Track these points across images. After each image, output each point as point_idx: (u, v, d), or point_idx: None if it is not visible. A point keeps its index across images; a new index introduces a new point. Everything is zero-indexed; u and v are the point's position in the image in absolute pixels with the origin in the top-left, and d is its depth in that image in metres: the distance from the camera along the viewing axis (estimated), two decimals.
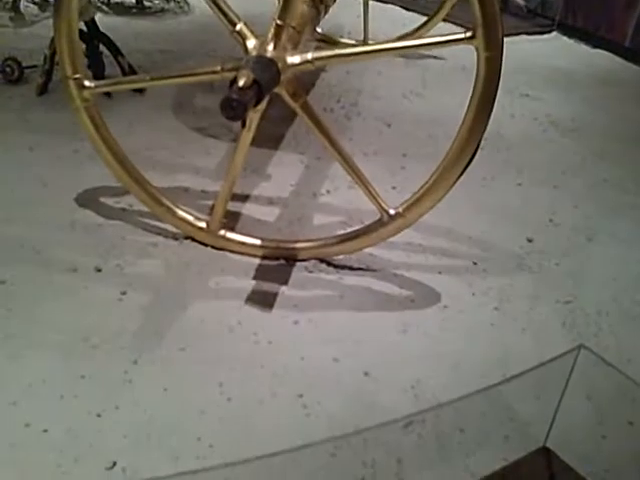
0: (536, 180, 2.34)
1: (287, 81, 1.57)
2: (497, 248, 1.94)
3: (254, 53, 1.53)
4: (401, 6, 4.21)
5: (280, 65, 1.52)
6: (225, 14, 1.57)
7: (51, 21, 3.31)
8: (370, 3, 3.41)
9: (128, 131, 2.30)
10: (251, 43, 1.55)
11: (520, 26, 4.08)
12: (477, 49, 1.46)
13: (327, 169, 2.24)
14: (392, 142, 2.51)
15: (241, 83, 1.38)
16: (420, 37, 3.36)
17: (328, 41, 3.43)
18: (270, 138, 2.38)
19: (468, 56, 1.54)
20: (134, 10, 3.62)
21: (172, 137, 2.36)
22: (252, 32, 1.57)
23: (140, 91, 2.63)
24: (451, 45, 1.52)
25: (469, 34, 1.46)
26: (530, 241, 1.99)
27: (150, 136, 2.33)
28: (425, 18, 3.54)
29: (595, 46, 3.97)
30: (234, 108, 1.34)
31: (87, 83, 1.67)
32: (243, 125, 1.53)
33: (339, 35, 3.51)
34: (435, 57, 3.39)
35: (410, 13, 4.11)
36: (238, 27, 1.56)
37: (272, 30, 1.53)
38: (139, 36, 3.26)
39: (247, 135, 1.64)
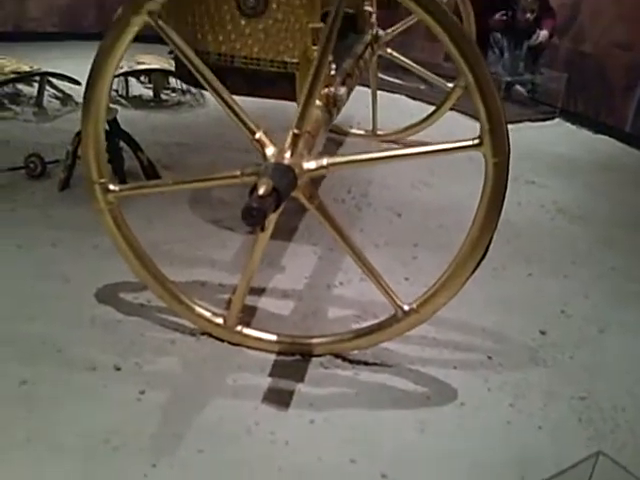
0: (546, 270, 2.38)
1: (304, 185, 1.64)
2: (511, 341, 1.96)
3: (272, 160, 1.60)
4: (408, 95, 4.38)
5: (297, 171, 1.60)
6: (245, 123, 1.65)
7: (72, 115, 3.49)
8: (378, 93, 3.56)
9: (147, 226, 2.37)
10: (270, 151, 1.63)
11: (523, 113, 4.22)
12: (485, 155, 1.53)
13: (340, 260, 2.29)
14: (403, 232, 2.57)
15: (261, 191, 1.44)
16: (429, 124, 3.50)
17: (339, 132, 3.57)
18: (284, 230, 2.44)
19: None
20: (152, 104, 3.78)
21: (189, 230, 2.43)
22: (270, 140, 1.65)
23: None
24: (459, 152, 1.59)
25: (476, 141, 1.54)
26: (543, 333, 2.01)
27: (168, 230, 2.40)
28: (431, 107, 3.70)
29: (597, 131, 4.10)
30: (254, 216, 1.40)
31: (111, 187, 1.74)
32: (262, 229, 1.59)
33: (349, 125, 3.65)
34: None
35: (417, 102, 4.28)
36: (257, 136, 1.64)
37: (289, 139, 1.61)
38: (156, 129, 3.40)
39: (264, 235, 1.70)
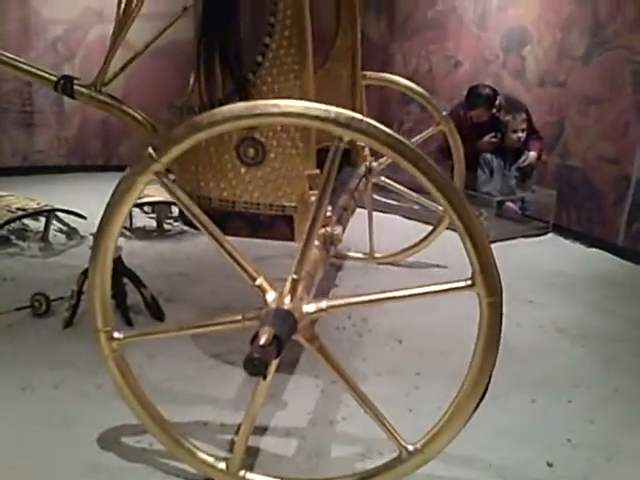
0: (550, 395, 2.37)
1: (304, 328, 1.68)
2: (518, 475, 1.93)
3: (273, 305, 1.65)
4: (403, 216, 4.52)
5: (297, 315, 1.64)
6: (246, 270, 1.71)
7: (77, 250, 3.59)
8: (373, 214, 3.68)
9: (149, 362, 2.39)
10: (270, 296, 1.68)
11: (516, 230, 4.34)
12: (478, 295, 1.58)
13: (342, 393, 2.29)
14: (404, 360, 2.58)
15: (263, 340, 1.48)
16: (425, 246, 3.59)
17: (337, 255, 3.65)
18: (286, 363, 2.45)
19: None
20: (155, 233, 3.90)
21: (191, 366, 2.44)
22: (271, 285, 1.71)
23: (160, 318, 2.77)
24: (453, 292, 1.64)
25: (469, 282, 1.59)
26: (550, 465, 1.98)
27: (170, 365, 2.42)
28: (426, 226, 3.81)
29: (590, 245, 4.20)
30: (257, 366, 1.43)
31: (116, 335, 1.78)
32: (264, 378, 1.61)
33: (346, 248, 3.74)
34: (438, 266, 3.58)
35: (412, 222, 4.40)
36: (258, 282, 1.70)
37: (288, 284, 1.67)
38: (159, 260, 3.48)
39: (266, 382, 1.71)
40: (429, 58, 5.72)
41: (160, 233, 3.95)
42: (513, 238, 4.16)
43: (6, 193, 3.92)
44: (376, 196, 4.09)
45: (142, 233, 3.90)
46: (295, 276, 1.68)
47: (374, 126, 1.54)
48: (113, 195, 1.76)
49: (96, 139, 6.00)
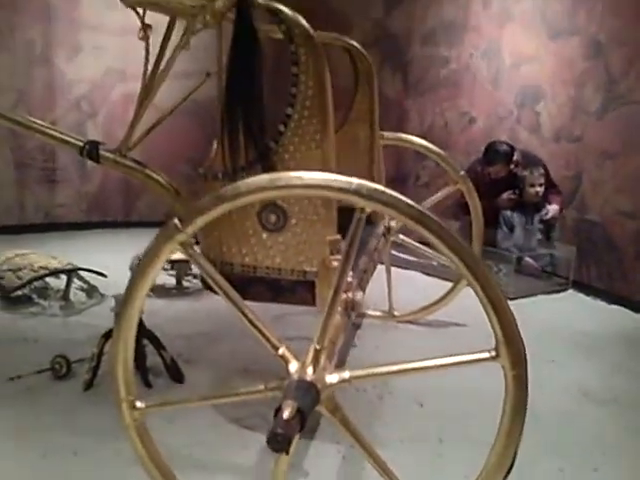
0: (577, 463, 2.31)
1: (327, 399, 1.66)
2: None
3: (296, 377, 1.64)
4: (421, 272, 4.51)
5: (320, 386, 1.63)
6: (268, 339, 1.71)
7: (97, 309, 3.61)
8: (392, 270, 3.67)
9: (168, 427, 2.36)
10: (293, 366, 1.67)
11: (536, 286, 4.31)
12: (503, 367, 1.57)
13: (364, 460, 2.24)
14: (427, 424, 2.53)
15: (286, 415, 1.47)
16: (445, 304, 3.57)
17: (355, 309, 3.63)
18: (307, 428, 2.41)
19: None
20: (174, 291, 3.92)
21: (210, 431, 2.41)
22: (293, 355, 1.70)
23: (180, 381, 2.76)
24: (477, 364, 1.63)
25: (493, 353, 1.58)
26: None
27: (189, 431, 2.39)
28: (445, 283, 3.79)
29: (611, 302, 4.15)
30: (280, 442, 1.42)
31: (138, 404, 1.77)
32: (287, 453, 1.59)
33: (365, 307, 3.72)
34: (458, 324, 3.55)
35: (431, 278, 4.39)
36: (280, 351, 1.70)
37: (311, 354, 1.66)
38: (179, 319, 3.49)
39: (287, 457, 1.69)
40: (444, 115, 5.80)
41: (179, 291, 3.97)
42: (533, 295, 4.13)
43: (29, 251, 3.96)
44: (394, 252, 4.09)
45: (162, 291, 3.92)
46: (318, 346, 1.67)
47: (396, 198, 1.56)
48: (139, 265, 1.78)
49: (116, 194, 6.10)
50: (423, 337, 3.39)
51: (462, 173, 3.46)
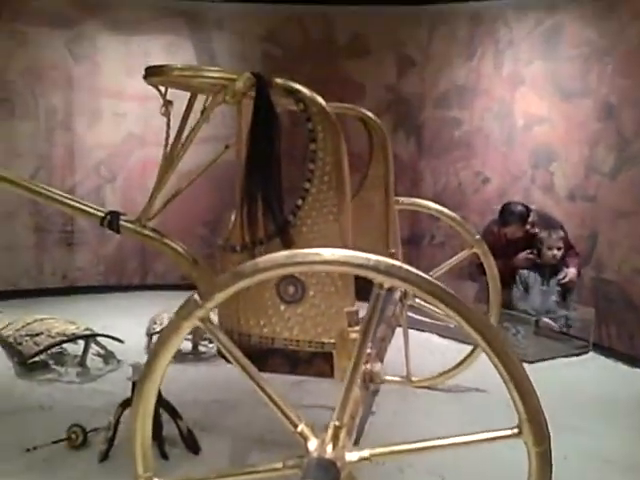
0: None
1: (346, 477, 1.64)
2: None
3: (315, 455, 1.62)
4: (437, 334, 4.47)
5: (339, 464, 1.61)
6: (287, 416, 1.70)
7: (114, 375, 3.60)
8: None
9: None
10: (312, 444, 1.66)
11: (555, 348, 4.25)
12: (526, 444, 1.54)
13: None
14: None
15: None
16: (464, 368, 3.52)
17: (374, 380, 3.59)
18: None
19: None
20: (190, 356, 3.91)
21: None
22: (313, 432, 1.68)
23: (196, 451, 2.73)
24: (500, 441, 1.60)
25: (516, 430, 1.56)
26: None
27: None
28: (462, 346, 3.75)
29: (633, 365, 4.07)
30: None
31: None
32: None
33: (383, 371, 3.68)
34: (477, 389, 3.50)
35: (447, 341, 4.35)
36: (299, 428, 1.68)
37: (331, 431, 1.65)
38: (195, 385, 3.47)
39: None
40: (458, 175, 5.86)
41: (195, 356, 3.96)
42: (552, 358, 4.07)
43: (47, 316, 4.00)
44: (410, 313, 4.07)
45: (177, 355, 3.90)
46: (337, 422, 1.66)
47: (414, 274, 1.57)
48: (158, 341, 1.80)
49: (133, 257, 6.16)
50: (442, 403, 3.34)
51: (477, 237, 3.48)
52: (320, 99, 2.07)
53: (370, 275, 1.60)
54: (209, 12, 6.21)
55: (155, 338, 4.05)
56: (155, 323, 4.13)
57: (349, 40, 6.20)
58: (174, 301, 4.92)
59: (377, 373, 2.07)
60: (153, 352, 1.80)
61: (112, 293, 5.78)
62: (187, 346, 4.05)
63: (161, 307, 4.63)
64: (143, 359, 3.69)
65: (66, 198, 2.76)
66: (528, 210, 4.76)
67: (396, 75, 6.13)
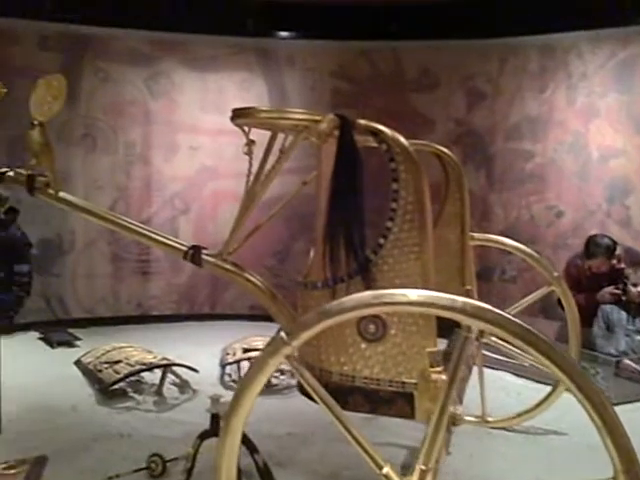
0: None
1: None
2: None
3: None
4: (512, 372, 4.36)
5: None
6: (372, 457, 1.70)
7: (190, 404, 3.67)
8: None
9: None
10: None
11: (637, 391, 4.06)
12: None
13: None
14: None
15: None
16: (543, 409, 3.42)
17: (455, 423, 3.52)
18: None
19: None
20: (263, 388, 3.93)
21: None
22: (398, 475, 1.67)
23: None
24: None
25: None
26: None
27: None
28: (538, 385, 3.65)
29: None
30: None
31: None
32: None
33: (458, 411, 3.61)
34: (556, 432, 3.38)
35: (522, 380, 4.23)
36: (385, 470, 1.68)
37: (416, 476, 1.64)
38: (268, 418, 3.49)
39: None
40: (530, 208, 5.76)
41: (268, 388, 3.98)
42: (636, 401, 3.90)
43: (125, 344, 4.13)
44: (483, 351, 4.00)
45: None
46: (423, 467, 1.64)
47: (503, 316, 1.56)
48: (245, 377, 1.83)
49: (204, 286, 6.29)
50: (520, 446, 3.24)
51: (556, 274, 3.39)
52: (403, 139, 2.09)
53: (457, 317, 1.59)
54: (280, 49, 6.38)
55: (228, 369, 4.12)
56: (228, 354, 4.20)
57: (418, 74, 6.24)
58: (243, 331, 5.01)
59: (459, 415, 2.04)
60: (240, 388, 1.84)
61: (183, 322, 5.90)
62: None
63: (231, 337, 4.72)
64: (217, 389, 3.79)
65: (151, 232, 2.86)
66: (615, 243, 4.62)
67: (465, 108, 6.12)
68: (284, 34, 6.37)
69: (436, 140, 3.21)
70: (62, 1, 5.61)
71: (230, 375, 4.08)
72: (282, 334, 1.74)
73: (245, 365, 4.18)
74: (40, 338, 4.88)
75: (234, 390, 3.89)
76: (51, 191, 2.76)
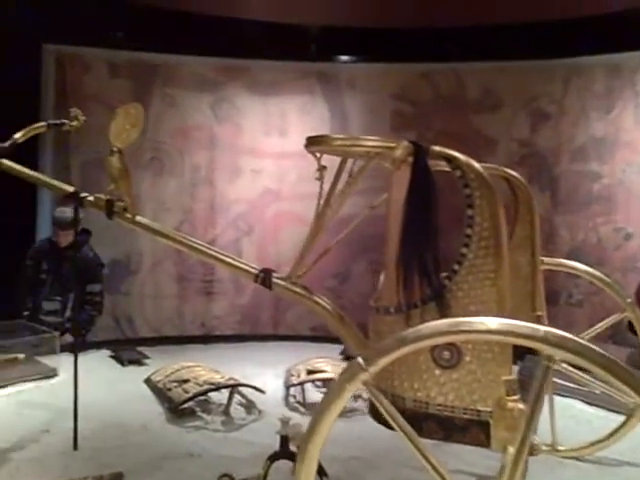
0: None
1: None
2: None
3: None
4: (583, 401, 4.23)
5: None
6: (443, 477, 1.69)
7: (256, 425, 3.71)
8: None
9: None
10: None
11: None
12: None
13: None
14: None
15: None
16: (617, 439, 3.30)
17: (532, 453, 3.44)
18: None
19: None
20: None
21: None
22: None
23: None
24: None
25: None
26: None
27: None
28: (610, 414, 3.53)
29: None
30: None
31: None
32: None
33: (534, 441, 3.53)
34: (629, 463, 3.27)
35: (593, 408, 4.11)
36: None
37: None
38: (333, 440, 3.43)
39: None
40: (597, 231, 5.63)
41: None
42: None
43: (192, 364, 4.21)
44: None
45: (315, 409, 3.95)
46: None
47: (586, 346, 1.54)
48: (322, 403, 1.85)
49: (267, 307, 6.36)
50: (594, 477, 3.14)
51: (629, 300, 3.31)
52: (477, 165, 2.10)
53: (539, 346, 1.58)
54: (341, 72, 6.46)
55: (292, 390, 4.15)
56: (292, 375, 4.23)
57: (480, 95, 6.21)
58: (305, 352, 5.03)
59: (537, 445, 2.01)
60: (317, 414, 1.86)
61: (246, 342, 5.97)
62: None
63: (293, 358, 4.75)
64: (282, 410, 3.82)
65: (223, 255, 2.93)
66: None
67: (529, 129, 6.05)
68: (345, 58, 6.46)
69: (499, 161, 3.20)
70: (132, 30, 5.86)
71: (295, 396, 4.10)
72: (359, 360, 1.75)
73: (309, 387, 4.21)
74: (111, 356, 5.02)
75: (299, 412, 3.95)
76: (128, 215, 2.88)
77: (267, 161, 6.36)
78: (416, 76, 6.30)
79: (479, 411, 2.05)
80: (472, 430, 2.07)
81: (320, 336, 5.78)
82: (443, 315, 2.05)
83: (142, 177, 5.98)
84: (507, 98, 6.10)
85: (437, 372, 2.09)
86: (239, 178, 6.34)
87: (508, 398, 2.00)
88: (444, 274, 2.09)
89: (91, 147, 5.66)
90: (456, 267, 2.08)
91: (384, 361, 1.74)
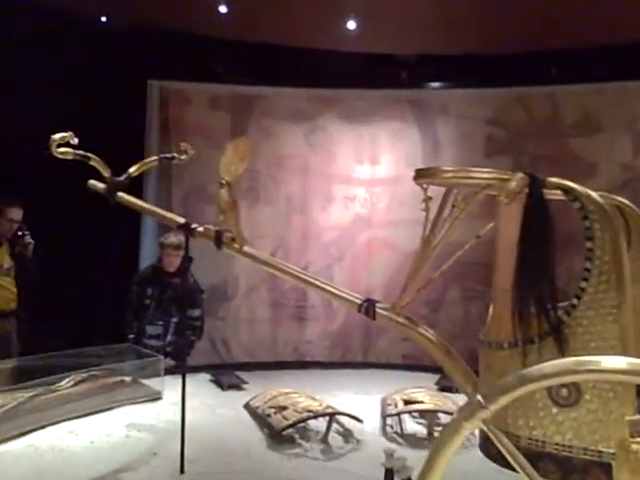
0: None
1: None
2: None
3: None
4: None
5: None
6: None
7: (355, 455, 3.69)
8: None
9: None
10: None
11: None
12: None
13: None
14: None
15: None
16: None
17: None
18: None
19: None
20: (425, 442, 3.89)
21: None
22: None
23: None
24: None
25: None
26: None
27: None
28: None
29: None
30: None
31: None
32: None
33: None
34: None
35: None
36: None
37: None
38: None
39: None
40: None
41: (431, 442, 3.93)
42: None
43: (289, 390, 4.26)
44: None
45: (414, 440, 3.91)
46: None
47: None
48: (438, 439, 1.83)
49: (357, 334, 6.35)
50: None
51: None
52: (596, 196, 2.05)
53: None
54: (433, 98, 6.45)
55: (389, 420, 4.11)
56: (389, 404, 4.20)
57: (577, 118, 6.03)
58: (398, 380, 4.97)
59: None
60: (433, 451, 1.83)
61: (338, 369, 5.98)
62: (421, 430, 4.04)
63: (387, 386, 4.72)
64: (380, 441, 3.79)
65: (328, 285, 2.97)
66: None
67: (632, 152, 5.82)
68: (437, 84, 6.45)
69: (600, 187, 3.06)
70: (231, 64, 6.09)
71: (392, 427, 4.06)
72: (478, 397, 1.73)
73: (406, 417, 4.17)
74: (211, 380, 5.16)
75: (397, 442, 3.89)
76: (236, 245, 2.98)
77: (358, 188, 6.40)
78: (510, 100, 6.21)
79: (600, 452, 1.97)
80: (592, 471, 1.99)
81: (412, 365, 5.72)
82: (561, 351, 2.00)
83: (240, 206, 6.11)
84: (606, 120, 5.89)
85: (554, 410, 2.03)
86: (331, 205, 6.41)
87: (632, 440, 1.92)
88: (561, 308, 2.04)
89: (192, 177, 5.89)
90: (575, 302, 2.02)
91: (505, 399, 1.70)
